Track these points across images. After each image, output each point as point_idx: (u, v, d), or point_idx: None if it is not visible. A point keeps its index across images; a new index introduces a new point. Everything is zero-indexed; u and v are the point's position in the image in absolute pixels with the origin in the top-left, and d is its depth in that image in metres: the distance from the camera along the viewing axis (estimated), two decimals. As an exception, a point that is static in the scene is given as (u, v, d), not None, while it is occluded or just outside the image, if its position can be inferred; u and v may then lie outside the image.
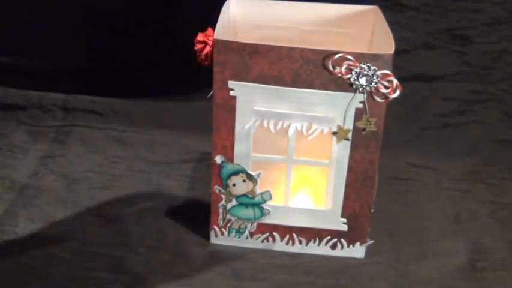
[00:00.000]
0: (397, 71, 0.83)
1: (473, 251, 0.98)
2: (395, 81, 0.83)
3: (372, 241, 0.96)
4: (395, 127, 1.25)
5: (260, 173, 0.92)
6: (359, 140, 0.88)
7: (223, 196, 0.94)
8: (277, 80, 0.85)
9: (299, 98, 0.86)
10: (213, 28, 0.86)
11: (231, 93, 0.87)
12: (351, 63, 0.82)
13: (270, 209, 0.94)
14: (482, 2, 1.24)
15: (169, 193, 1.11)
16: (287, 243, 0.97)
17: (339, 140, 0.88)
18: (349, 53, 0.82)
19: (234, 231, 0.97)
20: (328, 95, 0.85)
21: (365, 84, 0.83)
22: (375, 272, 0.93)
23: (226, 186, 0.93)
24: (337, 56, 0.82)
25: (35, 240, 0.97)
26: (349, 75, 0.83)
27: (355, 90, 0.84)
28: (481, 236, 1.02)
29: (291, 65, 0.84)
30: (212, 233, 0.98)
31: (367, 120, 0.86)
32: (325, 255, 0.96)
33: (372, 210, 0.93)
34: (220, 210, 0.95)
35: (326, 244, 0.96)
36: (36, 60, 1.33)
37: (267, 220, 0.95)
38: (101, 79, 1.35)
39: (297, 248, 0.97)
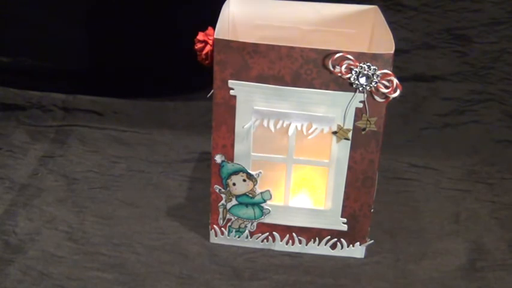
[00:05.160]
0: (397, 71, 0.83)
1: (473, 250, 0.98)
2: (395, 81, 0.83)
3: (372, 241, 0.96)
4: (395, 127, 1.25)
5: (260, 172, 0.92)
6: (359, 140, 0.88)
7: (223, 195, 0.94)
8: (277, 79, 0.85)
9: (299, 98, 0.86)
10: (213, 27, 0.86)
11: (231, 92, 0.87)
12: (351, 62, 0.82)
13: (270, 208, 0.94)
14: (482, 2, 1.24)
15: (169, 193, 1.11)
16: (287, 243, 0.97)
17: (339, 139, 0.88)
18: (349, 53, 0.82)
19: (234, 230, 0.97)
20: (328, 94, 0.85)
21: (365, 83, 0.83)
22: (375, 272, 0.93)
23: (226, 186, 0.93)
24: (337, 55, 0.82)
25: (35, 240, 0.97)
26: (349, 75, 0.83)
27: (355, 90, 0.84)
28: (481, 236, 1.02)
29: (291, 64, 0.84)
30: (212, 233, 0.98)
31: (367, 120, 0.86)
32: (325, 255, 0.96)
33: (372, 210, 0.93)
34: (220, 210, 0.95)
35: (326, 244, 0.96)
36: (36, 60, 1.33)
37: (267, 220, 0.95)
38: (101, 79, 1.35)
39: (297, 247, 0.97)
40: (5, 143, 1.24)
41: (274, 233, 0.96)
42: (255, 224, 0.96)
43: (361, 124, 0.87)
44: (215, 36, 0.85)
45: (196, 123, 1.31)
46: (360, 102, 0.85)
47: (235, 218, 0.96)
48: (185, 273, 0.92)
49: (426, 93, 1.31)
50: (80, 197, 1.08)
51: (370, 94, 0.84)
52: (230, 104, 0.88)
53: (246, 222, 0.96)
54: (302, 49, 0.83)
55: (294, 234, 0.96)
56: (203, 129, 1.24)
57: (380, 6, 0.98)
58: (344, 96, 0.85)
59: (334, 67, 0.83)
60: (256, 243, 0.97)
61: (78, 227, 1.00)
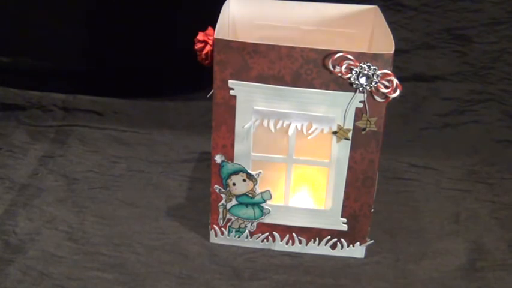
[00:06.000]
0: (397, 71, 0.83)
1: (473, 250, 0.98)
2: (395, 81, 0.83)
3: (372, 241, 0.96)
4: (395, 127, 1.25)
5: (260, 172, 0.92)
6: (359, 140, 0.88)
7: (223, 195, 0.94)
8: (278, 79, 0.85)
9: (299, 98, 0.86)
10: (213, 27, 0.86)
11: (231, 92, 0.87)
12: (351, 62, 0.82)
13: (270, 208, 0.94)
14: (482, 2, 1.24)
15: (169, 193, 1.11)
16: (287, 243, 0.97)
17: (339, 139, 0.88)
18: (349, 53, 0.82)
19: (234, 230, 0.97)
20: (328, 94, 0.85)
21: (365, 83, 0.83)
22: (375, 272, 0.93)
23: (226, 186, 0.93)
24: (337, 55, 0.82)
25: (35, 240, 0.97)
26: (349, 75, 0.83)
27: (355, 90, 0.84)
28: (481, 236, 1.02)
29: (291, 64, 0.84)
30: (212, 233, 0.98)
31: (367, 120, 0.86)
32: (325, 255, 0.96)
33: (372, 210, 0.93)
34: (220, 210, 0.95)
35: (326, 244, 0.96)
36: (37, 60, 1.33)
37: (267, 220, 0.95)
38: (101, 79, 1.35)
39: (297, 247, 0.97)
40: (5, 143, 1.24)
41: (274, 233, 0.96)
42: (255, 224, 0.96)
43: (361, 124, 0.87)
44: (215, 36, 0.85)
45: (196, 123, 1.31)
46: (360, 102, 0.85)
47: (235, 218, 0.96)
48: (185, 273, 0.92)
49: (426, 93, 1.31)
50: (80, 197, 1.08)
51: (370, 94, 0.84)
52: (230, 104, 0.88)
53: (246, 222, 0.96)
54: (302, 49, 0.83)
55: (294, 234, 0.96)
56: (203, 129, 1.24)
57: (380, 6, 0.98)
58: (344, 96, 0.85)
59: (334, 67, 0.83)
60: (256, 243, 0.97)
61: (78, 227, 1.00)
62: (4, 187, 1.10)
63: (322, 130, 0.88)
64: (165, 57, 1.30)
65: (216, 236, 0.98)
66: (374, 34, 0.98)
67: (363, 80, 0.83)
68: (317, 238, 0.96)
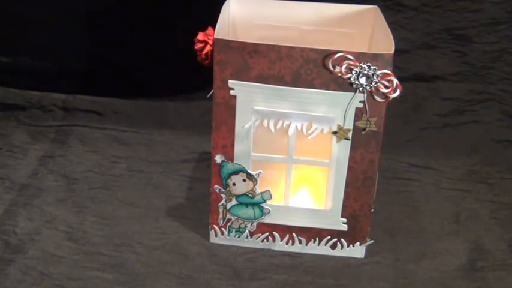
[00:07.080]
0: (397, 71, 0.83)
1: (473, 250, 0.98)
2: (395, 81, 0.83)
3: (372, 241, 0.96)
4: (395, 127, 1.25)
5: (260, 172, 0.92)
6: (359, 140, 0.88)
7: (223, 195, 0.94)
8: (278, 79, 0.85)
9: (299, 98, 0.86)
10: (213, 27, 0.86)
11: (231, 92, 0.87)
12: (351, 62, 0.82)
13: (270, 208, 0.94)
14: (482, 2, 1.24)
15: (169, 193, 1.11)
16: (287, 243, 0.97)
17: (339, 139, 0.88)
18: (349, 53, 0.82)
19: (234, 230, 0.97)
20: (328, 94, 0.85)
21: (365, 83, 0.83)
22: (375, 272, 0.93)
23: (226, 186, 0.93)
24: (337, 55, 0.82)
25: (35, 240, 0.97)
26: (349, 75, 0.83)
27: (355, 90, 0.84)
28: (481, 236, 1.02)
29: (291, 64, 0.84)
30: (212, 233, 0.98)
31: (367, 120, 0.86)
32: (325, 255, 0.96)
33: (372, 210, 0.93)
34: (220, 210, 0.95)
35: (326, 244, 0.96)
36: (37, 60, 1.33)
37: (267, 220, 0.95)
38: (101, 79, 1.35)
39: (297, 247, 0.97)
40: (5, 143, 1.24)
41: (274, 233, 0.96)
42: (255, 224, 0.96)
43: (361, 124, 0.87)
44: (215, 36, 0.85)
45: (196, 123, 1.31)
46: (360, 102, 0.85)
47: (235, 218, 0.96)
48: (185, 273, 0.92)
49: (426, 93, 1.31)
50: (80, 197, 1.08)
51: (370, 94, 0.84)
52: (230, 104, 0.88)
53: (246, 222, 0.96)
54: (302, 49, 0.83)
55: (294, 234, 0.96)
56: (203, 129, 1.24)
57: (380, 6, 0.98)
58: (344, 96, 0.85)
59: (334, 67, 0.83)
60: (256, 243, 0.97)
61: (78, 227, 1.00)
62: (4, 187, 1.10)
63: (322, 130, 0.88)
64: (165, 57, 1.30)
65: (216, 236, 0.98)
66: (374, 34, 0.98)
67: (363, 80, 0.83)
68: (317, 238, 0.96)
